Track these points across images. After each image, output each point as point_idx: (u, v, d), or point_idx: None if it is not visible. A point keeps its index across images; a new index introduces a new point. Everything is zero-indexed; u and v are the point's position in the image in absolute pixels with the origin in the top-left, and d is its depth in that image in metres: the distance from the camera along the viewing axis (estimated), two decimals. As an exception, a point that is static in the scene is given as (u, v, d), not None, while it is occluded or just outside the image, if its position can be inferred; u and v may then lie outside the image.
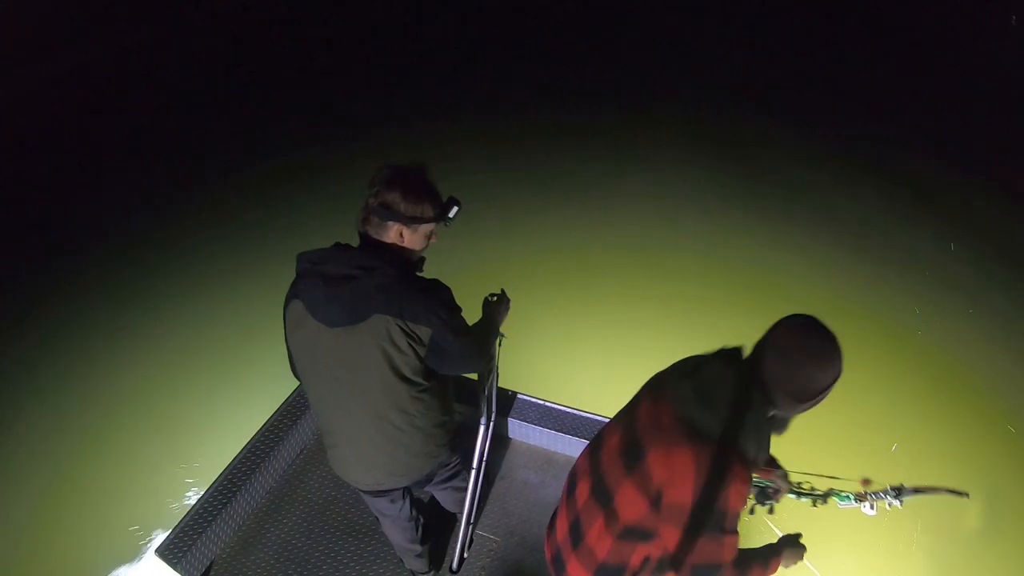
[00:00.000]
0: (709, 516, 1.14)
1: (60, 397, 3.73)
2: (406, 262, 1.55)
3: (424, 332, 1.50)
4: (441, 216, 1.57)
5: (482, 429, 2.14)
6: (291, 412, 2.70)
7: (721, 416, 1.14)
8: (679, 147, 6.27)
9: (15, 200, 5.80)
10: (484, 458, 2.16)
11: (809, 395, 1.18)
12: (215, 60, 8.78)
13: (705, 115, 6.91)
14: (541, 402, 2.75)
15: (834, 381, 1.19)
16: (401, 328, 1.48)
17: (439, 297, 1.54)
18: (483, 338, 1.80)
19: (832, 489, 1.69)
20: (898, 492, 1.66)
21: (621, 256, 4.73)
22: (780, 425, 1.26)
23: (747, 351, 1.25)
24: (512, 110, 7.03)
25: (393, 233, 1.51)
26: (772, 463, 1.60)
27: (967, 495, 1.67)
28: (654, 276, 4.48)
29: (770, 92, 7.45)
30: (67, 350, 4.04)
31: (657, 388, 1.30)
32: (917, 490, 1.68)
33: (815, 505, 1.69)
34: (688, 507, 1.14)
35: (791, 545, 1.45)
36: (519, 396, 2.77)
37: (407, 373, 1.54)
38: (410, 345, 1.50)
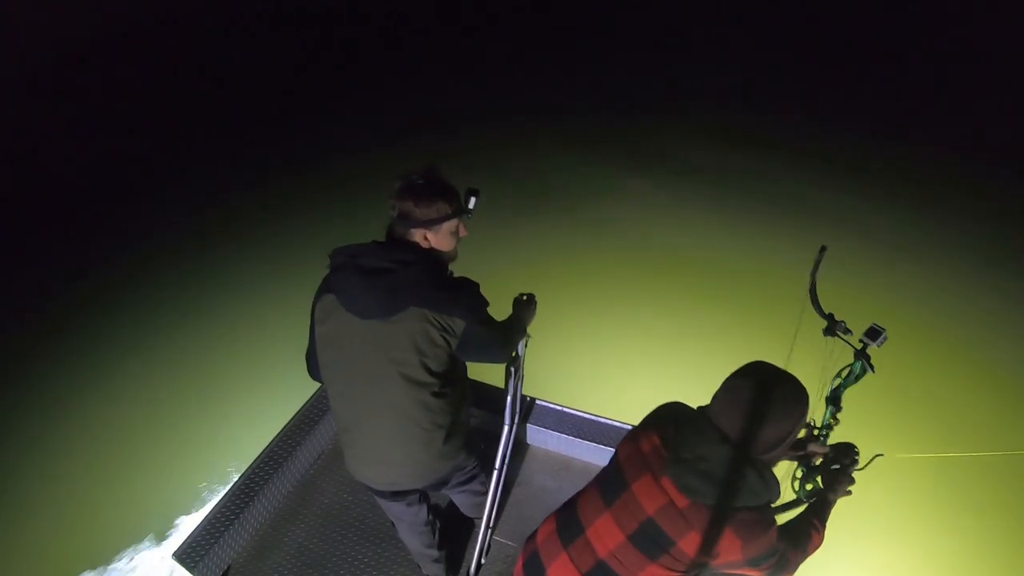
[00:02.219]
0: (767, 554, 1.23)
1: (82, 402, 3.77)
2: (439, 260, 1.61)
3: (459, 325, 1.55)
4: (460, 211, 1.60)
5: (506, 430, 2.12)
6: (308, 418, 2.70)
7: (731, 488, 1.17)
8: (710, 148, 6.23)
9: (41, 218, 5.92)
10: (506, 460, 2.14)
11: (766, 447, 1.21)
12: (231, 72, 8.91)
13: (725, 114, 6.88)
14: (559, 408, 2.73)
15: (794, 423, 1.21)
16: (436, 320, 1.52)
17: (471, 292, 1.60)
18: (510, 332, 1.84)
19: (838, 385, 1.60)
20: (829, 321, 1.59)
21: (641, 262, 4.69)
22: (774, 460, 1.28)
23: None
24: (534, 114, 7.05)
25: (418, 237, 1.57)
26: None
27: (825, 248, 1.66)
28: (676, 283, 4.44)
29: (782, 91, 7.41)
30: (92, 359, 4.10)
31: (646, 465, 1.27)
32: (813, 299, 1.64)
33: (836, 417, 1.61)
34: (740, 560, 1.21)
35: (836, 476, 1.46)
36: (537, 402, 2.75)
37: (435, 368, 1.57)
38: (443, 337, 1.54)
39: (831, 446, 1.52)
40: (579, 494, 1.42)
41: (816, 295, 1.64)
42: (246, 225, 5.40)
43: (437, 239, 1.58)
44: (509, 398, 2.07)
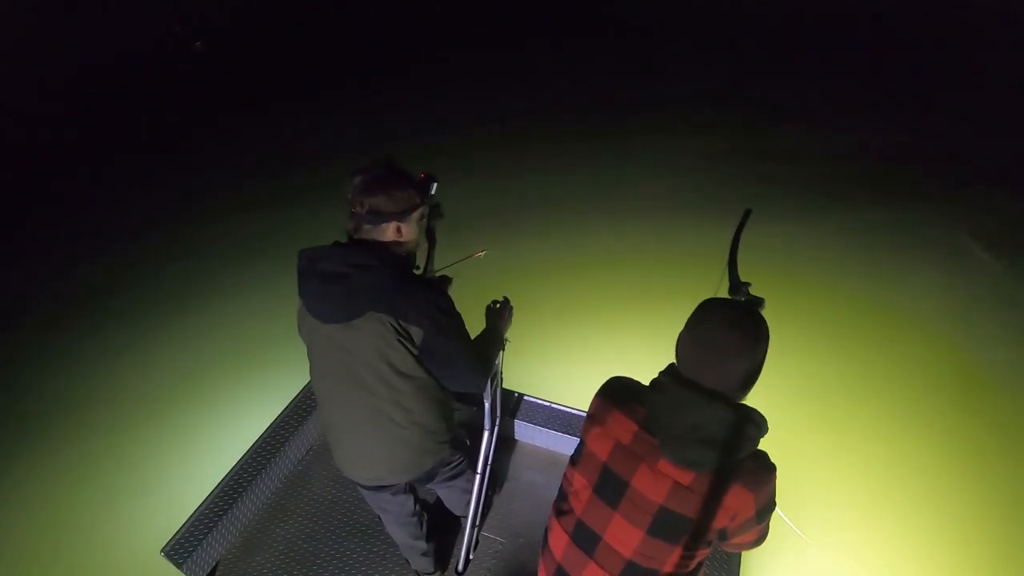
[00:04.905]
0: (770, 504, 1.22)
1: (71, 395, 3.75)
2: (401, 259, 1.55)
3: (416, 332, 1.50)
4: (425, 197, 1.58)
5: (486, 435, 2.12)
6: (297, 413, 2.70)
7: (731, 445, 1.15)
8: (682, 150, 6.28)
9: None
10: (489, 464, 2.15)
11: (749, 381, 1.19)
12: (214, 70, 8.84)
13: (709, 116, 6.93)
14: (547, 404, 2.75)
15: (766, 345, 1.18)
16: (393, 326, 1.48)
17: (432, 299, 1.53)
18: (486, 348, 1.77)
19: None
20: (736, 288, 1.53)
21: (629, 257, 4.72)
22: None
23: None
24: (512, 116, 7.07)
25: (390, 232, 1.52)
26: None
27: (750, 210, 1.68)
28: (662, 277, 4.47)
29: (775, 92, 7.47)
30: (74, 352, 4.08)
31: (636, 456, 1.23)
32: (732, 260, 1.59)
33: None
34: (753, 515, 1.20)
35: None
36: (525, 398, 2.77)
37: (404, 370, 1.54)
38: (401, 343, 1.50)
39: None
40: (573, 500, 1.35)
41: (736, 258, 1.62)
42: (252, 217, 5.39)
43: (408, 229, 1.54)
44: (488, 404, 2.05)
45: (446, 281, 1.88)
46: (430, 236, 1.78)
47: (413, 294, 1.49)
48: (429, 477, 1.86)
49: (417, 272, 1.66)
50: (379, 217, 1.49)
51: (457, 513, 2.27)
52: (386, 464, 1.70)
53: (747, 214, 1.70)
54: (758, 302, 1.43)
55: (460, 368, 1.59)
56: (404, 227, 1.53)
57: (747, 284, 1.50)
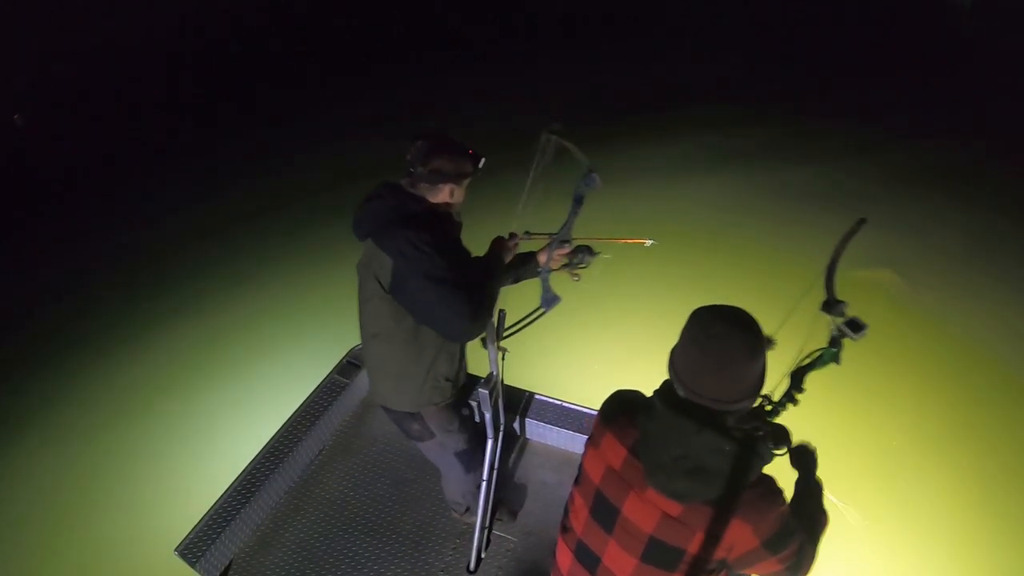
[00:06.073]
0: (781, 533, 1.12)
1: (76, 394, 3.79)
2: (423, 207, 1.61)
3: (387, 262, 1.56)
4: (476, 168, 1.67)
5: (490, 443, 2.10)
6: (309, 413, 2.71)
7: (722, 476, 1.06)
8: (697, 144, 6.24)
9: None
10: (495, 470, 2.15)
11: (747, 392, 1.08)
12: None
13: (714, 109, 6.89)
14: (559, 403, 2.73)
15: (763, 354, 1.09)
16: (374, 257, 1.59)
17: (410, 233, 1.53)
18: (483, 273, 1.70)
19: (805, 364, 1.39)
20: (830, 307, 1.36)
21: (640, 255, 4.67)
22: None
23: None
24: (516, 110, 7.06)
25: (445, 193, 1.63)
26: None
27: (864, 220, 1.44)
28: (675, 275, 4.43)
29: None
30: (81, 347, 4.12)
31: (625, 483, 1.17)
32: (831, 271, 1.40)
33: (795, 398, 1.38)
34: (757, 546, 1.11)
35: (805, 459, 1.34)
36: (536, 396, 2.76)
37: (374, 299, 1.65)
38: (375, 276, 1.61)
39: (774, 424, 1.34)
40: (573, 519, 1.33)
41: (835, 268, 1.44)
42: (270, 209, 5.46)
43: (459, 193, 1.66)
44: (489, 415, 2.04)
45: (585, 250, 1.89)
46: (577, 202, 1.78)
47: (400, 227, 1.55)
48: (407, 428, 1.91)
49: (530, 232, 1.81)
50: (439, 177, 1.59)
51: (447, 496, 2.34)
52: (383, 384, 1.81)
53: (860, 223, 1.45)
54: (860, 327, 1.30)
55: (433, 309, 1.56)
56: (457, 191, 1.64)
57: (843, 303, 1.36)
